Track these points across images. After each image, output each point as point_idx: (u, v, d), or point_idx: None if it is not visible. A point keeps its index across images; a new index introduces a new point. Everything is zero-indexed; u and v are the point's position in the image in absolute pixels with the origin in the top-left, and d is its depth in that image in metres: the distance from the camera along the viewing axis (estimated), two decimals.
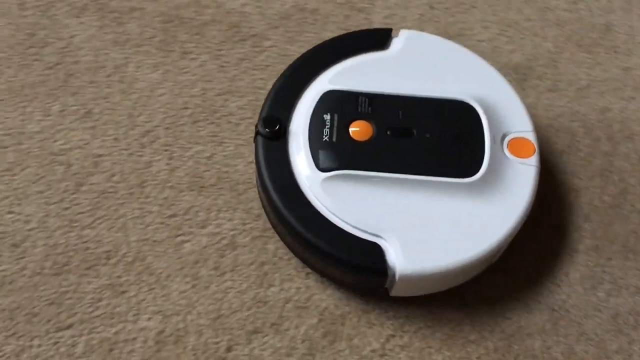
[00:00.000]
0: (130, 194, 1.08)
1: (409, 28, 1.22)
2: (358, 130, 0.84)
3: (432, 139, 0.84)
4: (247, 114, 1.16)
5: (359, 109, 0.85)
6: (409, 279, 0.80)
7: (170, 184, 1.09)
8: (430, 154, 0.83)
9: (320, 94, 0.88)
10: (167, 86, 1.20)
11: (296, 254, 0.92)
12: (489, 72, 0.96)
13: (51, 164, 1.09)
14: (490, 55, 1.26)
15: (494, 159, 0.84)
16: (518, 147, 0.88)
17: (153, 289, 1.01)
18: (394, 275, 0.81)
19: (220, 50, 1.25)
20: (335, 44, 0.98)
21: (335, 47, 0.97)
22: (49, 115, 1.14)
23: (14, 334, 0.96)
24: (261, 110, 0.94)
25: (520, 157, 0.87)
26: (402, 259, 0.79)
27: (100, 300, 1.00)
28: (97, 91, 1.18)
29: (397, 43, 0.98)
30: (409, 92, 0.87)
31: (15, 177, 1.07)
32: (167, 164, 1.11)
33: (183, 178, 1.10)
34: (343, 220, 0.81)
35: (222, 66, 1.24)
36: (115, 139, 1.13)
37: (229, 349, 0.97)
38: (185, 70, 1.22)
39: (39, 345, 0.96)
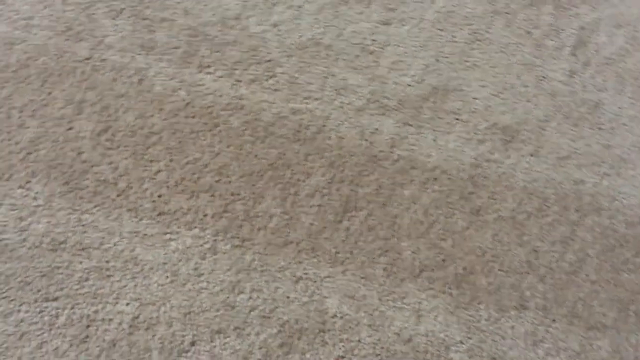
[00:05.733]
0: (128, 187, 1.19)
1: (412, 76, 1.33)
2: None
3: None
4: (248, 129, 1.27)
5: None
6: None
7: (167, 184, 1.20)
8: None
9: None
10: (180, 95, 1.31)
11: None
12: None
13: (64, 150, 1.21)
14: (482, 112, 1.35)
15: None
16: None
17: (135, 277, 1.12)
18: None
19: (235, 70, 1.36)
20: None
21: None
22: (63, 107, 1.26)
23: (6, 297, 1.07)
24: None
25: None
26: None
27: (87, 279, 1.10)
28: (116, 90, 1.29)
29: None
30: None
31: (32, 155, 1.19)
32: (167, 166, 1.22)
33: (179, 181, 1.21)
34: None
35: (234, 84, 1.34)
36: (127, 137, 1.24)
37: (192, 344, 1.07)
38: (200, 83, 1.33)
39: (26, 311, 1.06)
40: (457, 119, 1.35)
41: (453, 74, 1.41)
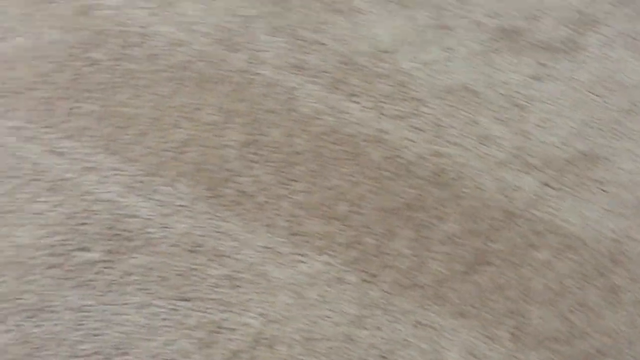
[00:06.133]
0: (267, 202, 1.21)
1: (560, 137, 1.30)
2: None
3: None
4: (389, 166, 1.27)
5: None
6: None
7: (303, 206, 1.22)
8: None
9: None
10: (325, 120, 1.33)
11: None
12: None
13: (211, 156, 1.25)
14: (628, 186, 1.30)
15: None
16: None
17: (263, 292, 1.13)
18: None
19: (382, 103, 1.37)
20: None
21: None
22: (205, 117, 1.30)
23: (143, 289, 1.11)
24: None
25: None
26: None
27: (218, 286, 1.13)
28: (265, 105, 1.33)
29: None
30: None
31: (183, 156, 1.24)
32: (306, 188, 1.24)
33: (316, 204, 1.22)
34: None
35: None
36: (271, 152, 1.27)
37: None
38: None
39: (160, 306, 1.10)
40: (601, 189, 1.30)
41: (602, 141, 1.36)
